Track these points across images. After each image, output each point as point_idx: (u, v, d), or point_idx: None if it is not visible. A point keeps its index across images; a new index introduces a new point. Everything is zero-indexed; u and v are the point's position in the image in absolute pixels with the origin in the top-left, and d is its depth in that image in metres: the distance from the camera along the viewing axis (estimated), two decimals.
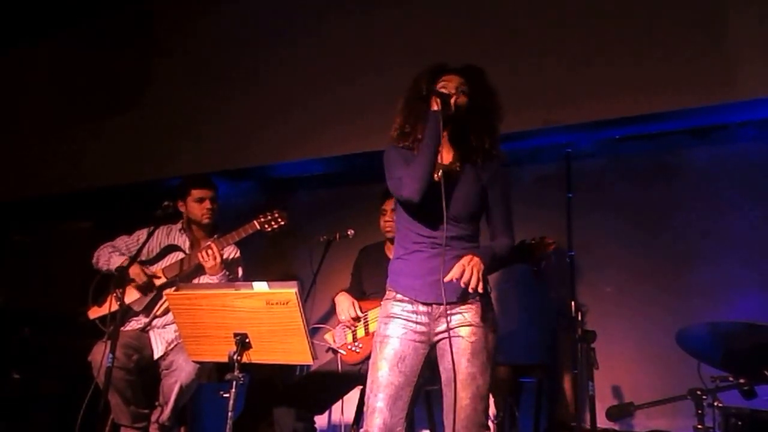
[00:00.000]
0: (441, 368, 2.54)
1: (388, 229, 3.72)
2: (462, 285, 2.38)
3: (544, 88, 3.95)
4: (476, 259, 2.42)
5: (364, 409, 2.56)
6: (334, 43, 4.77)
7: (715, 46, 3.61)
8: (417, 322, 2.55)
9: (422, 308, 2.55)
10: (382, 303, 2.67)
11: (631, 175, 4.11)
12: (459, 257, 2.47)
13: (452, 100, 2.52)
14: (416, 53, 4.31)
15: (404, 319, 2.55)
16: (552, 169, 4.23)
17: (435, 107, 2.51)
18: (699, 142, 3.97)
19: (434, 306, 2.54)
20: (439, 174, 2.52)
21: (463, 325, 2.51)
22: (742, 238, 3.74)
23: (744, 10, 3.57)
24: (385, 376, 2.51)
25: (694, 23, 3.67)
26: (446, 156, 2.65)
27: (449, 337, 2.48)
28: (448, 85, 2.58)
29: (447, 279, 2.39)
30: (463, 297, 2.51)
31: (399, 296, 2.59)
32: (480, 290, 2.40)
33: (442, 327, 2.52)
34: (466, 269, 2.37)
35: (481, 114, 2.58)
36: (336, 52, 4.75)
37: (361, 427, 2.59)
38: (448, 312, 2.51)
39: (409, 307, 2.56)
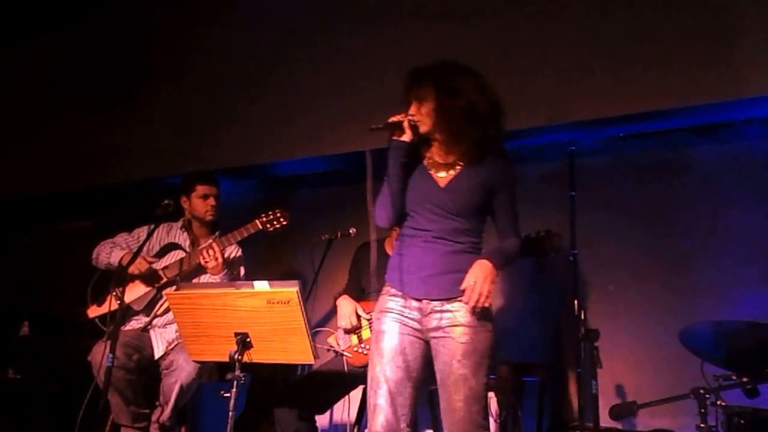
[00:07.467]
0: (435, 368, 2.55)
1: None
2: (469, 310, 2.44)
3: (548, 85, 3.93)
4: (487, 268, 2.44)
5: (367, 407, 2.56)
6: (341, 42, 4.74)
7: (719, 43, 3.59)
8: (410, 318, 2.55)
9: (414, 303, 2.56)
10: (379, 298, 2.67)
11: (635, 172, 4.09)
12: (455, 252, 2.51)
13: (405, 124, 2.57)
14: (421, 55, 4.26)
15: (398, 314, 2.57)
16: (555, 167, 4.20)
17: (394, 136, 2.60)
18: (703, 140, 3.94)
19: (425, 302, 2.54)
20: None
21: (454, 325, 2.50)
22: (746, 236, 3.72)
23: (749, 6, 3.54)
24: (383, 372, 2.51)
25: (699, 19, 3.65)
26: (444, 155, 2.65)
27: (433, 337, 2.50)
28: (417, 97, 2.60)
29: (464, 302, 2.44)
30: (453, 293, 2.50)
31: (393, 291, 2.61)
32: (487, 305, 2.44)
33: (434, 325, 2.52)
34: (475, 290, 2.41)
35: (442, 118, 2.56)
36: (341, 52, 4.72)
37: (365, 427, 2.58)
38: (438, 310, 2.52)
39: (401, 302, 2.57)
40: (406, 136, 2.59)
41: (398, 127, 2.59)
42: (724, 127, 3.90)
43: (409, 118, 2.58)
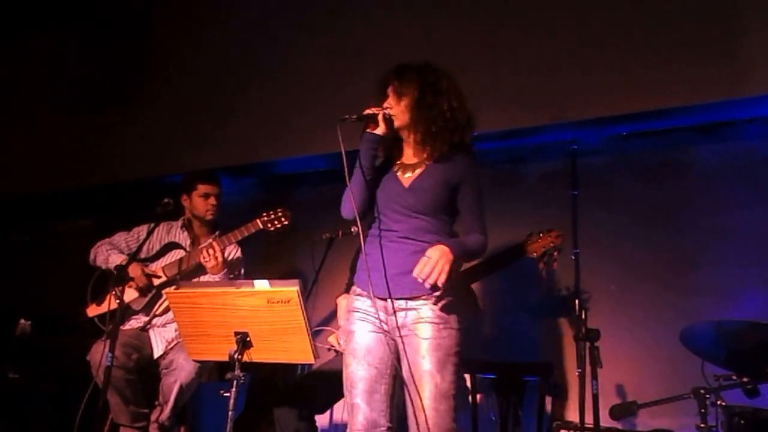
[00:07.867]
0: (402, 368, 2.52)
1: None
2: (421, 281, 2.38)
3: (550, 84, 3.92)
4: (444, 250, 2.41)
5: (346, 408, 2.55)
6: (340, 39, 4.73)
7: (722, 42, 3.58)
8: (376, 317, 2.54)
9: (379, 303, 2.55)
10: (347, 298, 2.69)
11: (637, 172, 4.08)
12: (420, 252, 2.47)
13: (380, 117, 2.58)
14: (422, 54, 4.26)
15: (364, 313, 2.57)
16: (558, 166, 4.19)
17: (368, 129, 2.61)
18: (706, 139, 3.94)
19: (389, 301, 2.53)
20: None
21: (418, 323, 2.49)
22: (748, 236, 3.71)
23: (751, 5, 3.53)
24: (355, 371, 2.52)
25: (702, 18, 3.63)
26: (412, 155, 2.67)
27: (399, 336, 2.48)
28: (398, 91, 2.61)
29: (414, 274, 2.39)
30: (417, 292, 2.48)
31: (359, 290, 2.62)
32: (440, 284, 2.38)
33: (398, 323, 2.51)
34: (429, 264, 2.37)
35: (421, 116, 2.58)
36: (341, 49, 4.71)
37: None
38: (403, 308, 2.51)
39: (367, 302, 2.57)
40: (380, 129, 2.60)
41: (372, 120, 2.60)
42: (727, 127, 3.89)
43: (385, 111, 2.59)
